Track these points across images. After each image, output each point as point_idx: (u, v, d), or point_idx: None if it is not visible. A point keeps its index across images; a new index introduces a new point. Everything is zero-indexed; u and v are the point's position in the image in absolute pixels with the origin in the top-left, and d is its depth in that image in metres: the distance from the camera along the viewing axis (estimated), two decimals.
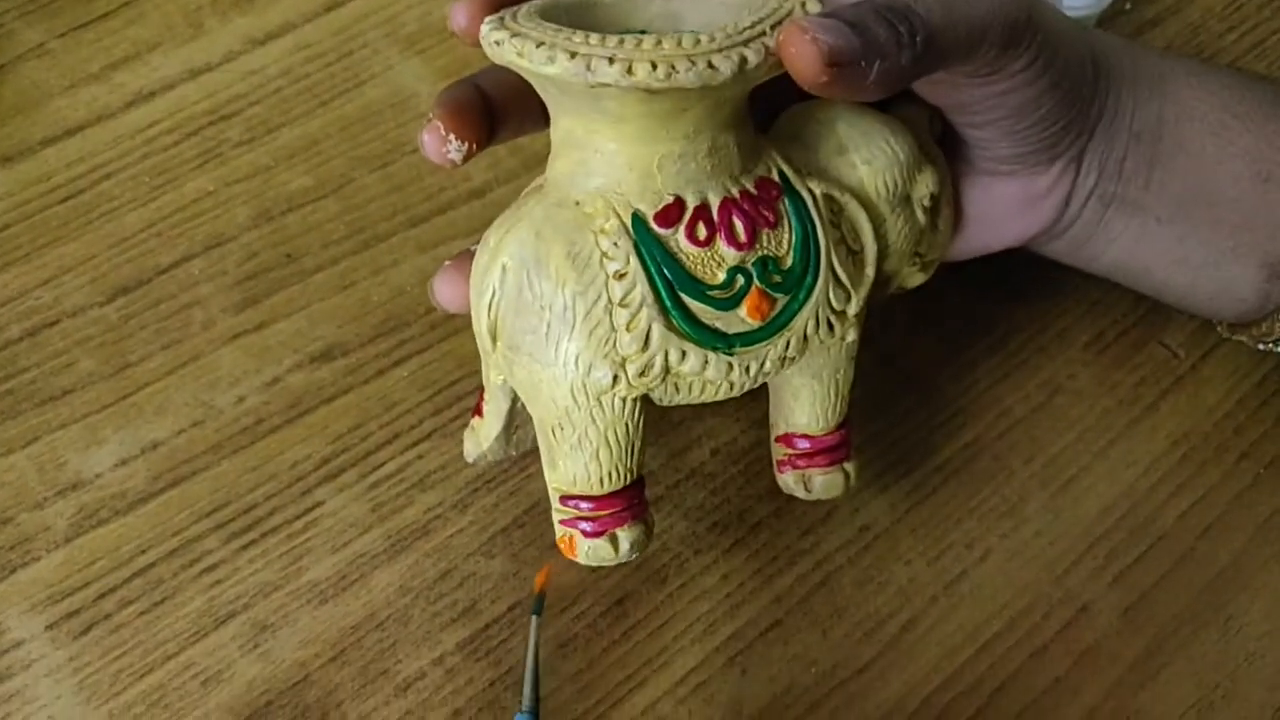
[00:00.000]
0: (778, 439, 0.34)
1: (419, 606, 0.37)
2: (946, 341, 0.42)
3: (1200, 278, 0.38)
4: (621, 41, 0.27)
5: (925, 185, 0.33)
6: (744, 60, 0.27)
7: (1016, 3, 0.31)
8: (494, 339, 0.31)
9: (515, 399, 0.33)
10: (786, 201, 0.31)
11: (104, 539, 0.37)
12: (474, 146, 0.32)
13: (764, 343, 0.30)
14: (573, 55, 0.27)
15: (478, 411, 0.35)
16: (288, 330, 0.41)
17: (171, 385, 0.39)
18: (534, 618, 0.34)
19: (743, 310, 0.30)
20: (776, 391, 0.34)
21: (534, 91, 0.31)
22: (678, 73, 0.27)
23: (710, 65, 0.27)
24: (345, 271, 0.42)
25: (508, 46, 0.28)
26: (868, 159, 0.32)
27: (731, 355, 0.30)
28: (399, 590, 0.37)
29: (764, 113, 0.33)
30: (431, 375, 0.40)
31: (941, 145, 0.36)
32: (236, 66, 0.46)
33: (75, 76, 0.45)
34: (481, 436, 0.35)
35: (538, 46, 0.27)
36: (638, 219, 0.29)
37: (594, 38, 0.27)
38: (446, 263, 0.34)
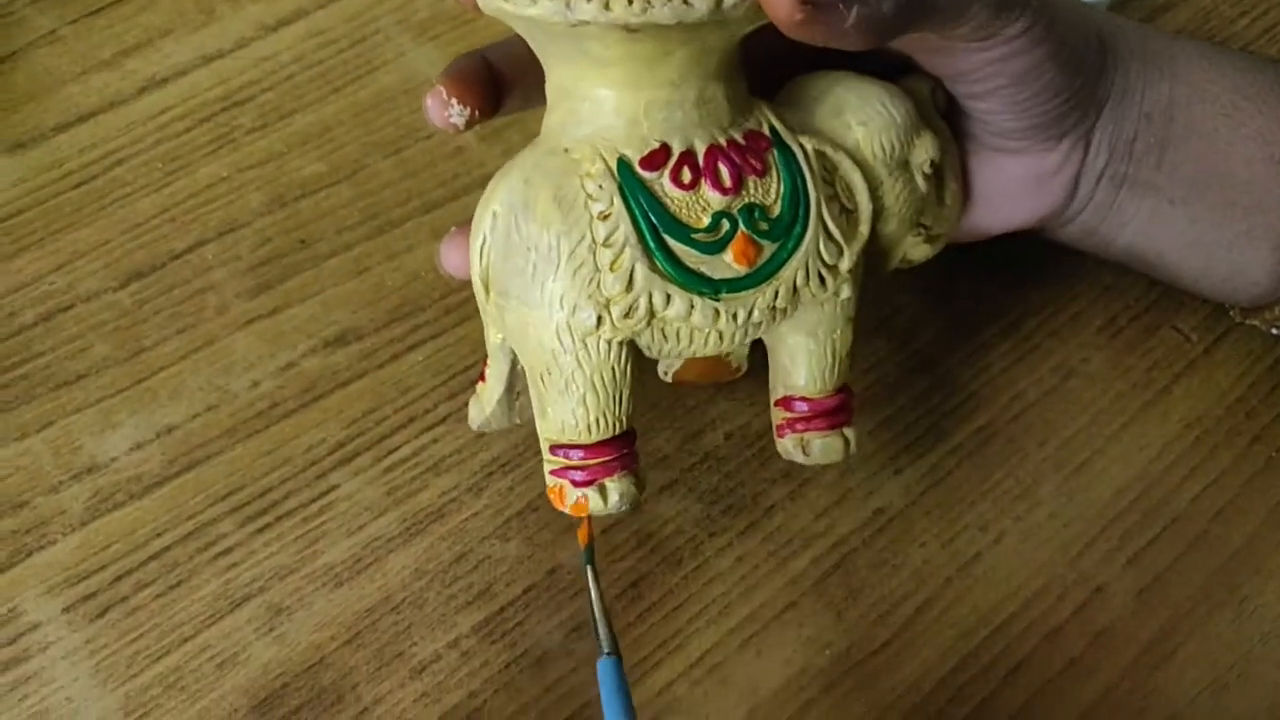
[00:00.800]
0: (777, 403, 0.34)
1: (434, 590, 0.37)
2: (959, 325, 0.42)
3: (1214, 261, 0.38)
4: None
5: (925, 151, 0.33)
6: None
7: None
8: (486, 288, 0.31)
9: (515, 360, 0.33)
10: (776, 153, 0.31)
11: (120, 522, 0.37)
12: (475, 112, 0.32)
13: (751, 290, 0.31)
14: None
15: (482, 378, 0.35)
16: (302, 315, 0.41)
17: (186, 370, 0.40)
18: (588, 567, 0.33)
19: (729, 255, 0.30)
20: (774, 353, 0.34)
21: (540, 62, 0.31)
22: (653, 7, 0.27)
23: (685, 1, 0.27)
24: (359, 257, 0.42)
25: None
26: (863, 120, 0.33)
27: (718, 301, 0.30)
28: (414, 573, 0.37)
29: (768, 85, 0.33)
30: (446, 360, 0.40)
31: (949, 122, 0.35)
32: (249, 53, 0.46)
33: (87, 63, 0.45)
34: (484, 401, 0.35)
35: None
36: (623, 163, 0.30)
37: None
38: (452, 229, 0.34)
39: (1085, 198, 0.37)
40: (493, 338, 0.33)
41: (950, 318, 0.42)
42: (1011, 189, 0.36)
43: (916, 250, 0.35)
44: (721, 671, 0.36)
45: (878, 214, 0.33)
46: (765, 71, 0.33)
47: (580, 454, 0.31)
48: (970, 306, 0.42)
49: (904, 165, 0.33)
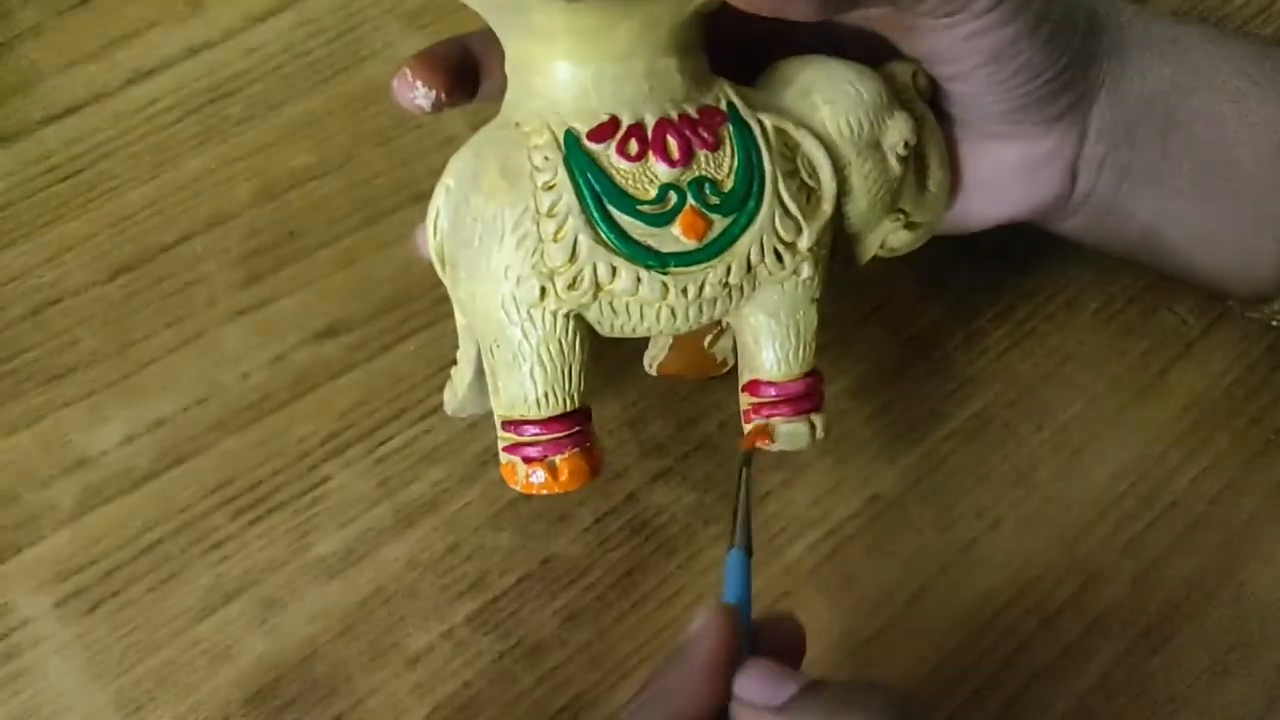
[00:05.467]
0: (744, 388, 0.34)
1: (427, 580, 0.36)
2: (955, 310, 0.42)
3: (1223, 255, 0.37)
4: None
5: (898, 132, 0.33)
6: None
7: None
8: (442, 262, 0.32)
9: None
10: (731, 128, 0.31)
11: (110, 517, 0.37)
12: (442, 95, 0.33)
13: (702, 265, 0.30)
14: None
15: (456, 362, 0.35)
16: (292, 307, 0.41)
17: (176, 362, 0.39)
18: (744, 469, 0.33)
19: (677, 228, 0.30)
20: (739, 336, 0.34)
21: None
22: None
23: None
24: (349, 248, 0.42)
25: None
26: (830, 99, 0.32)
27: (666, 274, 0.30)
28: (407, 564, 0.37)
29: (750, 73, 0.33)
30: (437, 350, 0.40)
31: (938, 110, 0.35)
32: (236, 44, 0.45)
33: (73, 55, 0.45)
34: (456, 385, 0.35)
35: None
36: (570, 135, 0.30)
37: None
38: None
39: (1087, 188, 0.36)
40: (459, 320, 0.33)
41: (946, 303, 0.42)
42: (1005, 176, 0.36)
43: (897, 237, 0.35)
44: None
45: (845, 194, 0.33)
46: (748, 59, 0.33)
47: (532, 430, 0.31)
48: (966, 292, 0.42)
49: (875, 146, 0.33)
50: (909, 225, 0.34)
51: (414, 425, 0.39)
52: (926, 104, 0.35)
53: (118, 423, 0.38)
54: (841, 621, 0.36)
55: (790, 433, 0.33)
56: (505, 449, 0.32)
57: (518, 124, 0.31)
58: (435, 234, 0.31)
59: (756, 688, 0.27)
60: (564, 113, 0.30)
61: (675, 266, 0.30)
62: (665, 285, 0.30)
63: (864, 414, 0.40)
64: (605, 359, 0.39)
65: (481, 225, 0.30)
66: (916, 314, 0.42)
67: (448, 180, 0.31)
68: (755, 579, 0.36)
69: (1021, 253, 0.43)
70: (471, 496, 0.38)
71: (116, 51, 0.45)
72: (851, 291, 0.41)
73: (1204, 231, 0.37)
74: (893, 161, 0.33)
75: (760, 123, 0.31)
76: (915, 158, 0.34)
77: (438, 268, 0.32)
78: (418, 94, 0.32)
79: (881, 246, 0.35)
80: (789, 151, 0.32)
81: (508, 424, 0.32)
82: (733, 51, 0.33)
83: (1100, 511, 0.39)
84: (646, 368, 0.38)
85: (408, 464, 0.38)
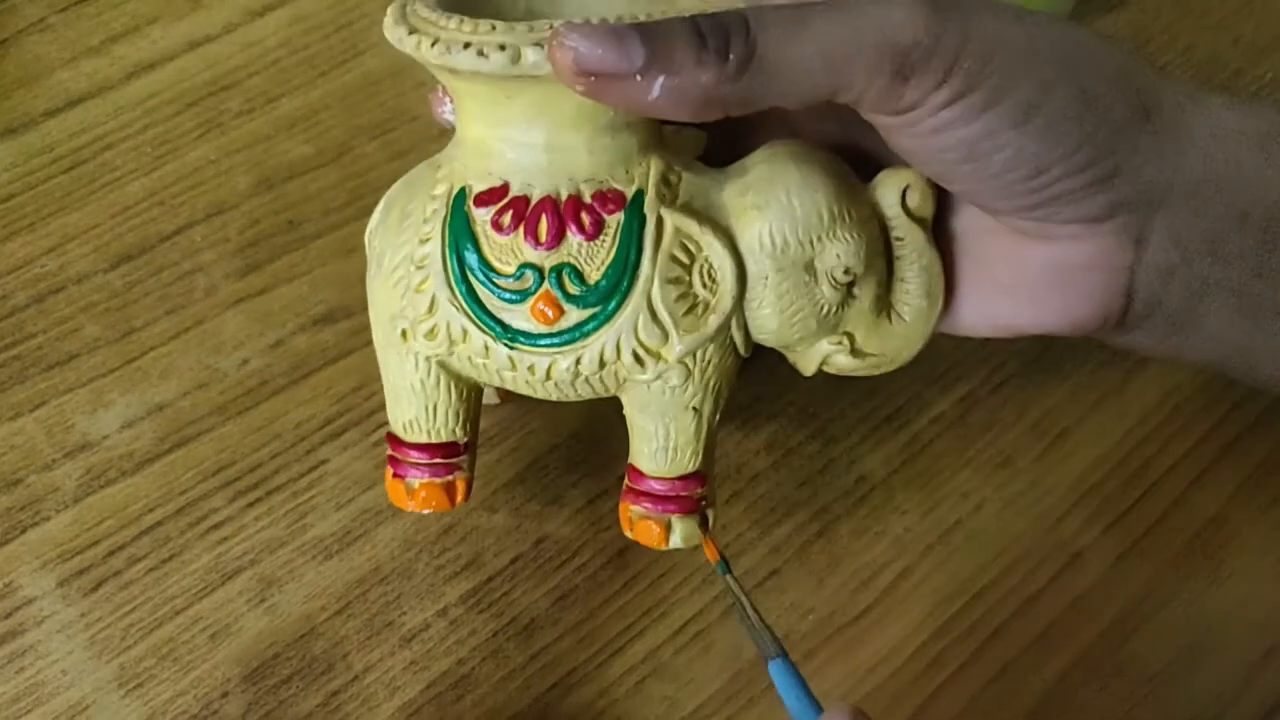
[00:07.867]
0: (627, 466, 0.33)
1: (423, 560, 0.37)
2: None
3: None
4: (461, 21, 0.28)
5: (836, 256, 0.30)
6: (518, 54, 0.27)
7: (909, 23, 0.26)
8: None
9: None
10: (622, 219, 0.29)
11: (112, 499, 0.37)
12: None
13: (549, 350, 0.30)
14: (411, 31, 0.29)
15: None
16: (290, 295, 0.41)
17: (176, 349, 0.40)
18: (728, 576, 0.32)
19: (526, 308, 0.29)
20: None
21: None
22: (450, 54, 0.28)
23: (481, 53, 0.27)
24: (346, 237, 0.43)
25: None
26: (760, 205, 0.30)
27: (512, 349, 0.30)
28: (403, 545, 0.37)
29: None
30: None
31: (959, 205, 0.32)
32: (235, 38, 0.46)
33: (76, 50, 0.46)
34: None
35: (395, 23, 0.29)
36: (462, 193, 0.30)
37: (454, 19, 0.28)
38: None
39: (1149, 302, 0.30)
40: None
41: None
42: (1032, 280, 0.31)
43: (837, 361, 0.31)
44: (705, 638, 0.37)
45: (756, 309, 0.30)
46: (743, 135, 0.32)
47: (402, 449, 0.32)
48: None
49: (803, 265, 0.30)
50: (855, 353, 0.31)
51: None
52: (922, 220, 0.31)
53: (119, 407, 0.39)
54: (828, 601, 0.37)
55: (644, 530, 0.31)
56: (387, 456, 0.33)
57: (439, 166, 0.31)
58: (367, 239, 0.33)
59: None
60: (470, 169, 0.30)
61: (523, 344, 0.30)
62: (511, 359, 0.30)
63: (851, 399, 0.41)
64: None
65: (377, 254, 0.32)
66: None
67: (386, 196, 0.32)
68: (743, 560, 0.38)
69: None
70: None
71: (118, 46, 0.46)
72: None
73: None
74: (824, 286, 0.30)
75: (661, 220, 0.29)
76: (884, 283, 0.31)
77: None
78: (446, 109, 0.34)
79: (825, 364, 0.32)
80: (687, 256, 0.30)
81: (389, 434, 0.33)
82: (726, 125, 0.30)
83: (1082, 494, 0.40)
84: None
85: None
